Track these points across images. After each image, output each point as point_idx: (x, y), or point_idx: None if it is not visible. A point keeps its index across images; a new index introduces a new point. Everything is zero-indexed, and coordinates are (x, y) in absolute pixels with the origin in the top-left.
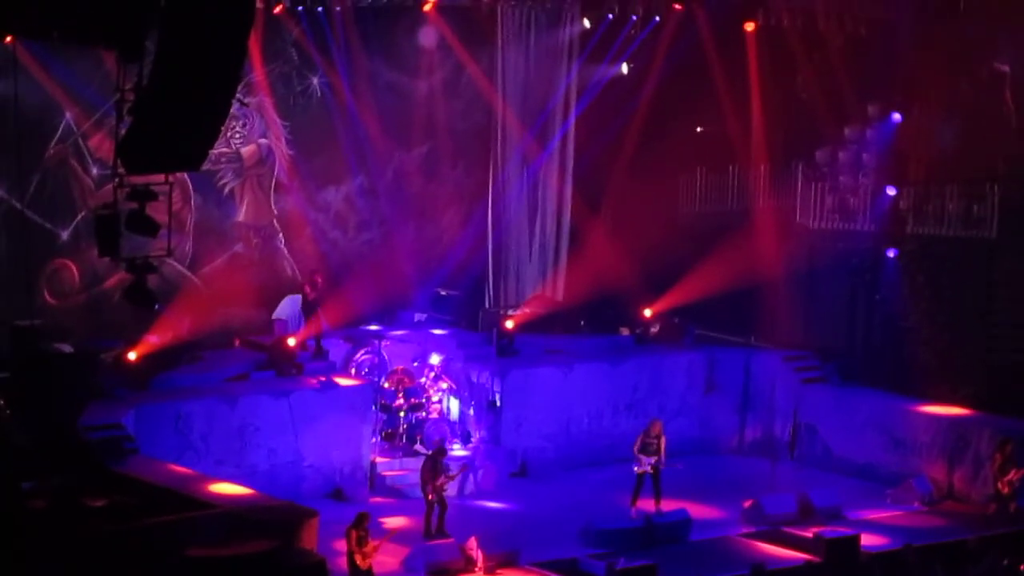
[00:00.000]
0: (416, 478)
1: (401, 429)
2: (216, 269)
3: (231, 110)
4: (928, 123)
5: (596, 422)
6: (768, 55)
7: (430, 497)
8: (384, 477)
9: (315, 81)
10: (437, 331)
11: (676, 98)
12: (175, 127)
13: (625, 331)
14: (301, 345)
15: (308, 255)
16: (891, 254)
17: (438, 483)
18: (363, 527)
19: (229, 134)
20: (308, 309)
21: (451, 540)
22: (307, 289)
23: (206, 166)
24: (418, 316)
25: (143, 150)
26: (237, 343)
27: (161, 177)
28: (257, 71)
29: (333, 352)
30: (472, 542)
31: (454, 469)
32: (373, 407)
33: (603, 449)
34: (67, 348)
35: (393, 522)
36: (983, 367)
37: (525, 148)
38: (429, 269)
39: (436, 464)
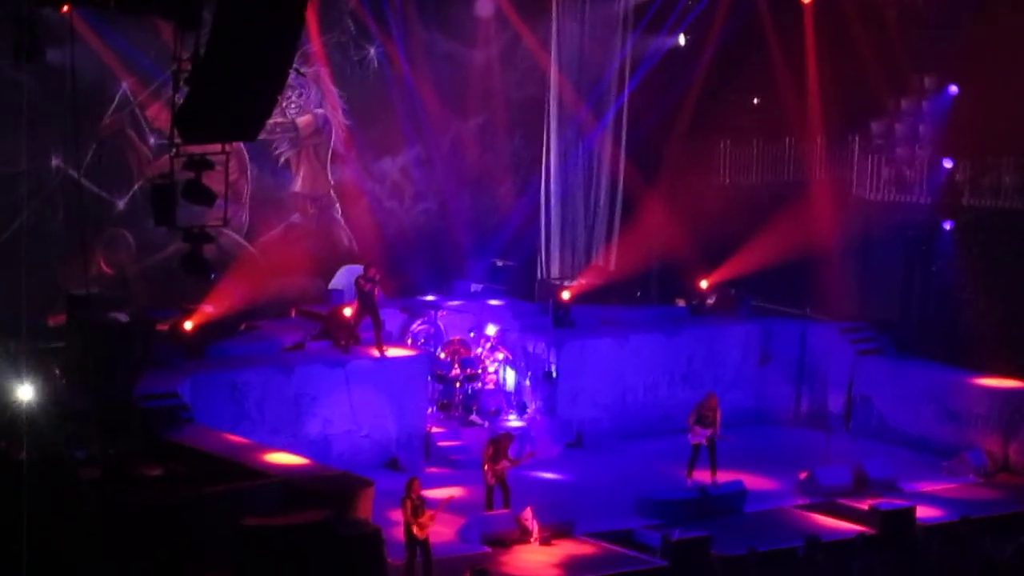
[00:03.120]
0: (472, 449)
1: (457, 399)
2: (272, 239)
3: (288, 80)
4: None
5: (651, 393)
6: (824, 26)
7: (490, 480)
8: (440, 447)
9: (372, 51)
10: (493, 302)
11: (732, 69)
12: (232, 97)
13: (681, 302)
14: (354, 336)
15: (365, 225)
16: (947, 226)
17: (499, 467)
18: (416, 495)
19: (285, 104)
20: (364, 304)
21: (507, 511)
22: (361, 282)
23: (262, 136)
24: (474, 286)
25: (199, 120)
26: (293, 313)
27: (218, 147)
28: (314, 41)
29: (389, 322)
30: (528, 512)
31: (522, 454)
32: (429, 377)
33: (658, 420)
34: (123, 317)
35: (448, 492)
36: None
37: (581, 119)
38: (485, 239)
39: (499, 448)
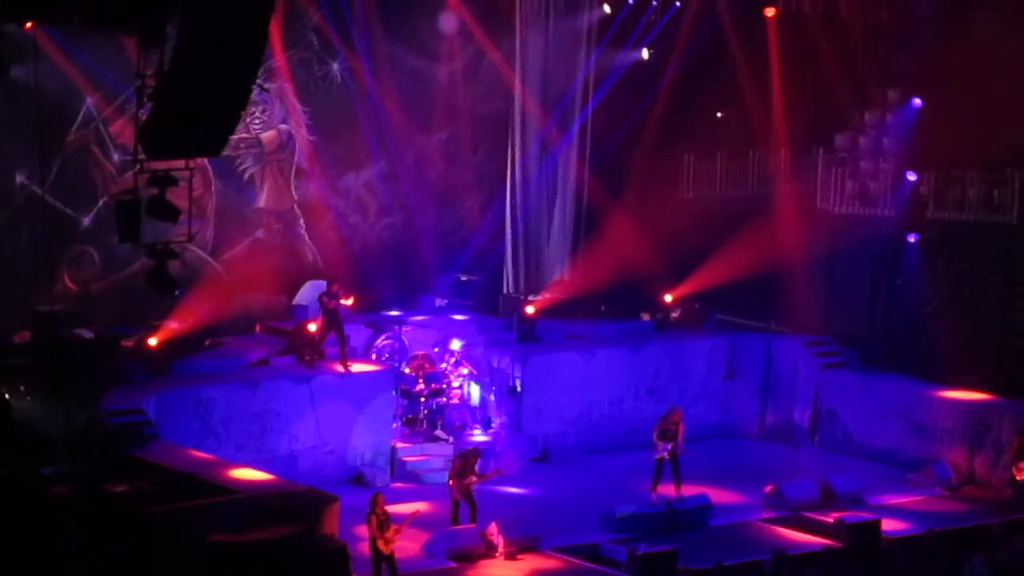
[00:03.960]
0: (437, 464)
1: (422, 415)
2: (237, 255)
3: (252, 96)
4: (949, 108)
5: (617, 407)
6: (789, 40)
7: (456, 495)
8: (405, 462)
9: (335, 66)
10: (458, 316)
11: (697, 83)
12: (196, 113)
13: (646, 316)
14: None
15: (329, 241)
16: (912, 239)
17: (466, 482)
18: (380, 510)
19: (249, 120)
20: (329, 320)
21: (473, 526)
22: (325, 299)
23: (227, 152)
24: (439, 301)
25: (163, 135)
26: (258, 329)
27: (182, 163)
28: (277, 56)
29: (354, 338)
30: (493, 527)
31: (488, 470)
32: (394, 393)
33: (624, 434)
34: (88, 334)
35: (413, 507)
36: (1004, 352)
37: (545, 133)
38: (450, 254)
39: (467, 463)
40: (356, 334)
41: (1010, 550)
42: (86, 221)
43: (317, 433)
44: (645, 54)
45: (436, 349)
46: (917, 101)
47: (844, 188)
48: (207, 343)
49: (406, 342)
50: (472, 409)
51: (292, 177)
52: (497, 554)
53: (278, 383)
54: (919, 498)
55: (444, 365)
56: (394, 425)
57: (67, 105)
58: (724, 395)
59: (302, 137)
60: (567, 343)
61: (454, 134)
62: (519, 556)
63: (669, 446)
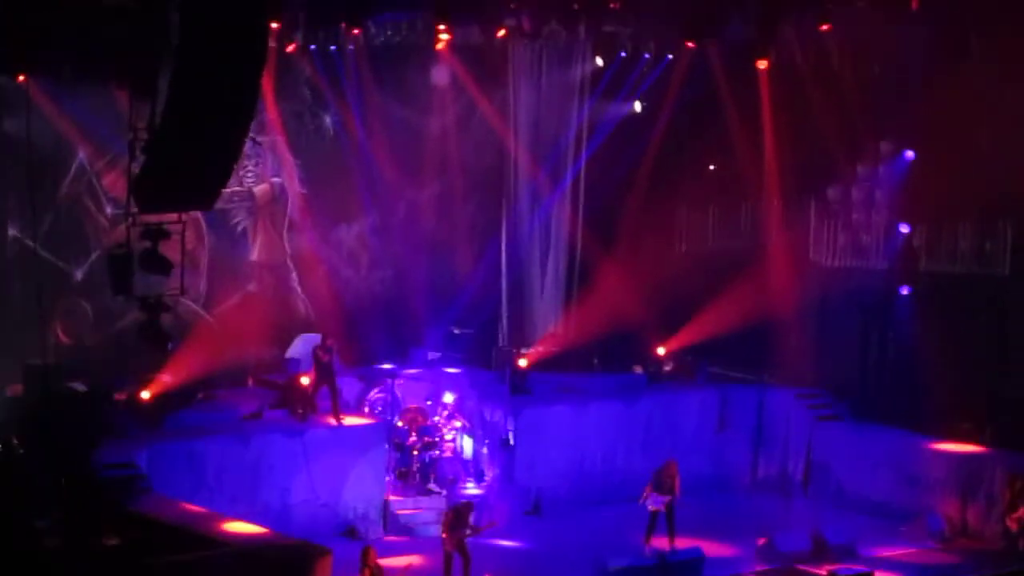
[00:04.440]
0: (430, 516)
1: (415, 468)
2: (230, 308)
3: (244, 149)
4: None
5: (610, 460)
6: (780, 92)
7: (448, 549)
8: (398, 516)
9: (328, 119)
10: (450, 369)
11: (688, 135)
12: (188, 166)
13: (638, 369)
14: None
15: (321, 294)
16: (904, 291)
17: (458, 535)
18: (372, 562)
19: (242, 173)
20: (321, 373)
21: None
22: (320, 354)
23: (219, 205)
24: (431, 354)
25: (156, 189)
26: (251, 382)
27: (174, 216)
28: (270, 109)
29: (346, 391)
30: None
31: (481, 523)
32: (386, 446)
33: (617, 487)
34: (80, 387)
35: (406, 560)
36: (996, 404)
37: (537, 186)
38: (442, 307)
39: (460, 517)
40: (348, 387)
41: None
42: (79, 274)
43: (310, 486)
44: (638, 106)
45: (429, 402)
46: (909, 153)
47: (836, 240)
48: (200, 396)
49: (399, 395)
50: (465, 462)
51: (284, 230)
52: None
53: (271, 436)
54: (912, 550)
55: (437, 418)
56: (387, 478)
57: (59, 158)
58: (716, 447)
59: (294, 190)
60: (560, 396)
61: (446, 186)
62: None
63: (665, 499)
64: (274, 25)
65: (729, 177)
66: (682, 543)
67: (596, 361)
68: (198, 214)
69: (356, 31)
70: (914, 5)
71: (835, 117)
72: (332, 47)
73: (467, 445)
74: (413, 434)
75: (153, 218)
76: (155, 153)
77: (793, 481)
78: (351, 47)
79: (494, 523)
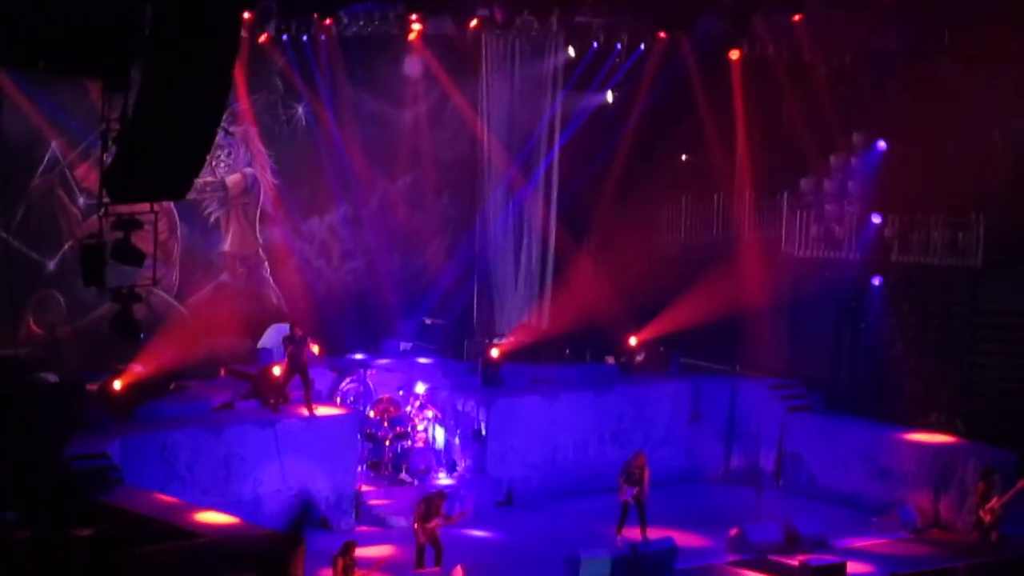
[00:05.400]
0: (402, 506)
1: (386, 458)
2: (202, 299)
3: (216, 139)
4: (914, 151)
5: (581, 451)
6: (753, 84)
7: (420, 540)
8: (370, 506)
9: (300, 110)
10: (423, 360)
11: (661, 127)
12: (160, 156)
13: (610, 360)
14: (283, 396)
15: (293, 285)
16: (876, 282)
17: (430, 525)
18: (350, 556)
19: (214, 163)
20: (293, 363)
21: (437, 569)
22: (287, 343)
23: (191, 195)
24: (404, 345)
25: (128, 179)
26: (223, 373)
27: (147, 206)
28: (242, 100)
29: (319, 381)
30: (458, 571)
31: (453, 513)
32: (358, 436)
33: (589, 478)
34: (52, 378)
35: (378, 551)
36: (968, 395)
37: (510, 177)
38: (414, 298)
39: (431, 507)
40: (320, 378)
41: None
42: (51, 265)
43: (282, 477)
44: (610, 97)
45: (401, 393)
46: (882, 145)
47: (808, 232)
48: (172, 387)
49: (371, 386)
50: (436, 453)
51: (257, 221)
52: None
53: (243, 427)
54: (884, 541)
55: (409, 409)
56: (359, 469)
57: (31, 149)
58: (689, 439)
59: (267, 181)
60: (532, 387)
61: (418, 178)
62: None
63: (635, 490)
64: (246, 15)
65: (701, 168)
66: (654, 534)
67: (568, 352)
68: (170, 205)
69: (328, 22)
70: None
71: (808, 108)
72: (304, 37)
73: (439, 436)
74: (385, 424)
75: (125, 209)
76: (127, 144)
77: (765, 472)
78: (323, 37)
79: (464, 514)
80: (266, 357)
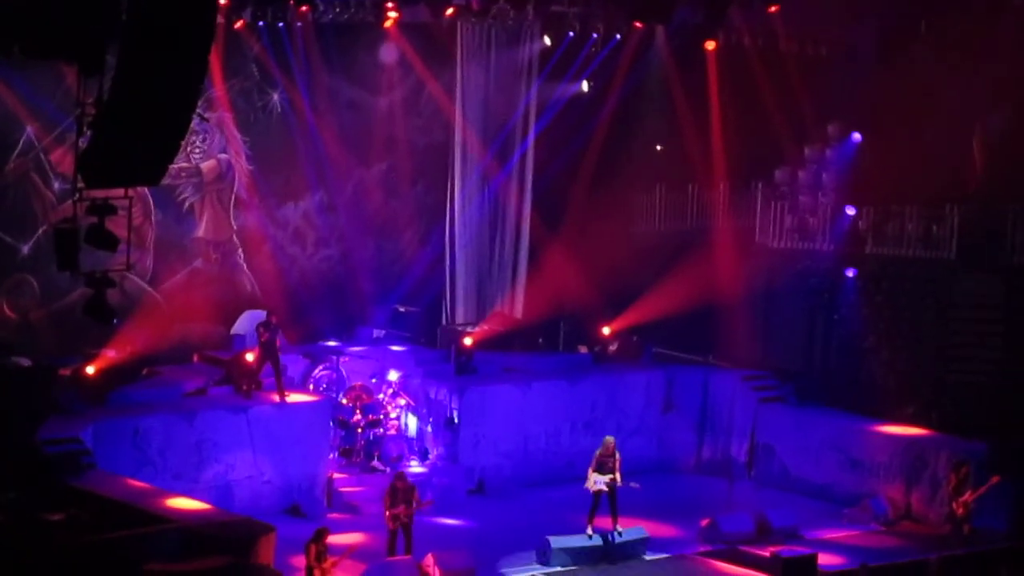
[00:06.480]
0: (374, 494)
1: (359, 445)
2: (176, 284)
3: (191, 125)
4: (889, 143)
5: (554, 440)
6: (728, 74)
7: (390, 526)
8: (341, 493)
9: (275, 97)
10: (395, 348)
11: (636, 116)
12: (135, 141)
13: (583, 349)
14: (256, 382)
15: (267, 271)
16: (850, 274)
17: (397, 511)
18: (322, 542)
19: (189, 149)
20: (266, 350)
21: (408, 557)
22: (259, 330)
23: (166, 181)
24: (376, 333)
25: (103, 164)
26: (196, 358)
27: (121, 191)
28: (217, 86)
29: (291, 368)
30: (429, 559)
31: (423, 499)
32: (331, 423)
33: (561, 467)
34: (25, 362)
35: (350, 538)
36: (941, 388)
37: (485, 166)
38: (388, 286)
39: (394, 491)
40: (293, 364)
41: None
42: (25, 249)
43: (254, 463)
44: (585, 86)
45: (373, 380)
46: (856, 136)
47: (783, 222)
48: (144, 372)
49: (343, 373)
50: (409, 440)
51: (231, 207)
52: None
53: (215, 413)
54: (855, 533)
55: (381, 396)
56: (331, 456)
57: (6, 134)
58: (661, 429)
59: (241, 167)
60: (504, 375)
61: (393, 166)
62: None
63: (607, 479)
64: (222, 1)
65: (676, 158)
66: (626, 524)
67: (541, 341)
68: (145, 190)
69: (304, 8)
70: None
71: (783, 99)
72: (280, 24)
73: (411, 423)
74: (358, 412)
75: (100, 193)
76: (102, 128)
77: (737, 463)
78: (299, 24)
79: (431, 501)
80: (239, 343)
